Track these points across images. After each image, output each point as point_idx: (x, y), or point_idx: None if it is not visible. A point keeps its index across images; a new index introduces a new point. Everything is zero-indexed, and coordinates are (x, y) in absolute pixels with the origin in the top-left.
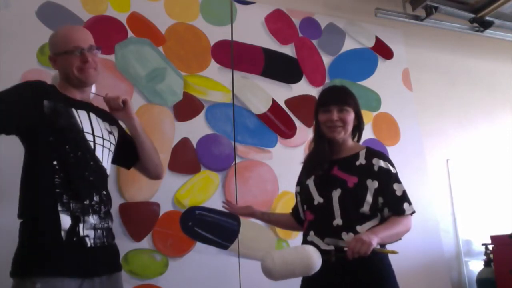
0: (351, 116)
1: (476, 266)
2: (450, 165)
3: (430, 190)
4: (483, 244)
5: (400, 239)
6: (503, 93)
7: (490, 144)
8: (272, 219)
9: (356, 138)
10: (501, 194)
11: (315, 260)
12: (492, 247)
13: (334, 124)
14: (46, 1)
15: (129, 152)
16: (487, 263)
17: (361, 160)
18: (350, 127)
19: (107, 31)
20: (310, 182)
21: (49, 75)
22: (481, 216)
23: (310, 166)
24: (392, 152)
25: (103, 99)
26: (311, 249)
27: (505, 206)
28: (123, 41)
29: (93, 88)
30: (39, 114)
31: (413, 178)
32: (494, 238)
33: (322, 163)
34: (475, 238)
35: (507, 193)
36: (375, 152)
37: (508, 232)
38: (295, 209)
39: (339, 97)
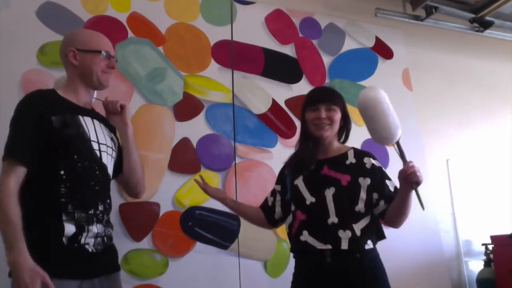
0: (338, 116)
1: (476, 266)
2: (450, 165)
3: (430, 190)
4: (483, 244)
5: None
6: (503, 93)
7: (490, 144)
8: (241, 210)
9: (343, 139)
10: (501, 194)
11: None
12: (492, 247)
13: (322, 122)
14: (46, 1)
15: (115, 163)
16: (487, 263)
17: (351, 159)
18: (336, 127)
19: (107, 31)
20: (299, 182)
21: (49, 75)
22: (481, 216)
23: (296, 166)
24: (392, 152)
25: (102, 103)
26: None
27: (505, 206)
28: (123, 41)
29: (95, 93)
30: (49, 131)
31: None
32: (494, 238)
33: (308, 162)
34: (475, 238)
35: (507, 193)
36: (364, 152)
37: (508, 232)
38: (267, 206)
39: (327, 96)
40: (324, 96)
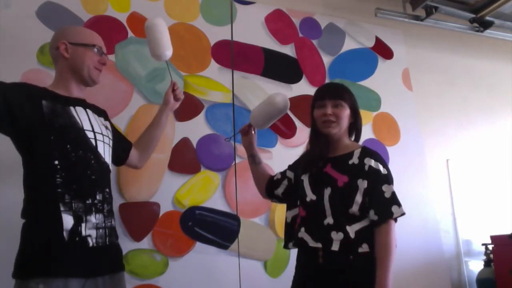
0: (345, 112)
1: (476, 266)
2: (450, 165)
3: (430, 190)
4: (483, 244)
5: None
6: (503, 93)
7: (490, 144)
8: (259, 171)
9: (353, 137)
10: (501, 194)
11: (279, 100)
12: (492, 247)
13: (328, 118)
14: (46, 1)
15: (119, 149)
16: (487, 263)
17: (354, 160)
18: (344, 123)
19: (107, 31)
20: (305, 178)
21: (49, 75)
22: (481, 216)
23: (305, 163)
24: (392, 152)
25: (173, 84)
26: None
27: (505, 206)
28: (123, 41)
29: None
30: (38, 114)
31: (413, 178)
32: (494, 238)
33: (315, 161)
34: (475, 238)
35: (507, 193)
36: (370, 152)
37: (508, 232)
38: (273, 179)
39: (334, 92)
40: (331, 92)
